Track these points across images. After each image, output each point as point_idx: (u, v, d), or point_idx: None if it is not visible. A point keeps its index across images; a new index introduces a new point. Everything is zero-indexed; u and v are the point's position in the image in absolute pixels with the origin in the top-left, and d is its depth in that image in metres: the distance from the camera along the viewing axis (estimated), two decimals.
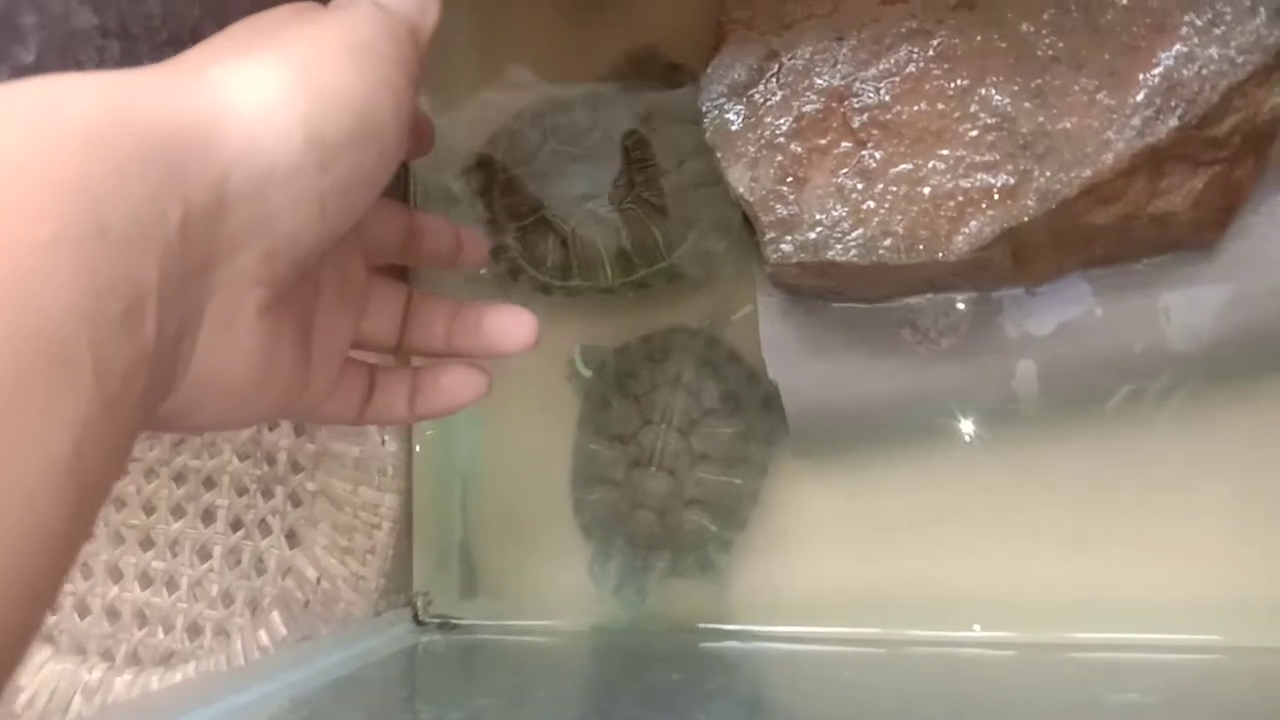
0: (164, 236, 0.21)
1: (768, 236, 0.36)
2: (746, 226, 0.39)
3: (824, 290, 0.39)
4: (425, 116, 0.37)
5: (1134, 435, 0.41)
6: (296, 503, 0.55)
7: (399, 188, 0.52)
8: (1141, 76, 0.33)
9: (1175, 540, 0.40)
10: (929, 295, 0.39)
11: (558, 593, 0.47)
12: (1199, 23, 0.33)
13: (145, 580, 0.57)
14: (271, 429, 0.56)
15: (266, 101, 0.24)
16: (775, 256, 0.36)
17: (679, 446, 0.46)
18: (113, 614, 0.57)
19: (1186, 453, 0.41)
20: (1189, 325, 0.38)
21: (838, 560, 0.44)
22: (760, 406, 0.46)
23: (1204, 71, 0.33)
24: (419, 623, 0.48)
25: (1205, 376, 0.39)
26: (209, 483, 0.57)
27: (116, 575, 0.58)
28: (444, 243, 0.38)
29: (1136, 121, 0.33)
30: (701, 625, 0.45)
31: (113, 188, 0.20)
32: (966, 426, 0.41)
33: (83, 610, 0.58)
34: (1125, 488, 0.41)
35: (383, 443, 0.51)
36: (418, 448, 0.51)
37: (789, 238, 0.36)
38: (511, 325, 0.34)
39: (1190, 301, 0.37)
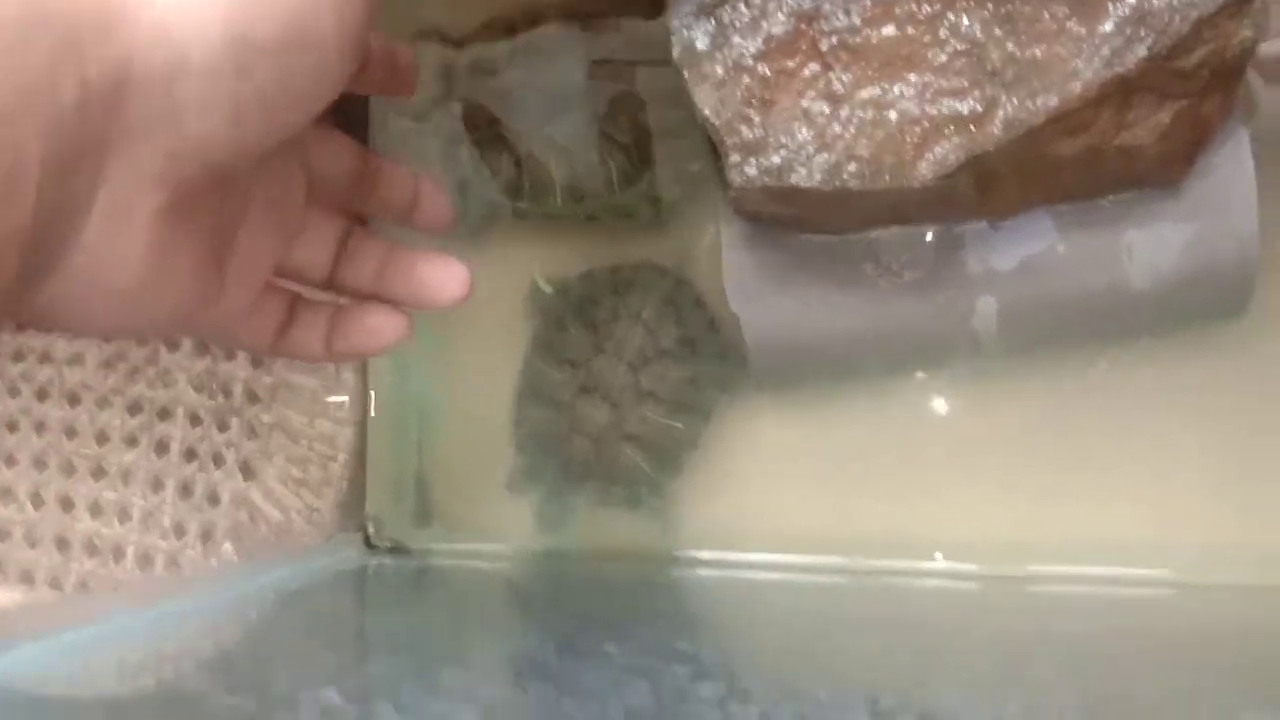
0: (53, 111, 0.20)
1: (732, 159, 0.35)
2: (712, 154, 0.38)
3: (788, 219, 0.38)
4: (407, 52, 0.35)
5: (1093, 374, 0.41)
6: (252, 435, 0.54)
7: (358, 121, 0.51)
8: (1112, 5, 0.33)
9: (1131, 478, 0.41)
10: (893, 228, 0.38)
11: (511, 521, 0.47)
12: None
13: (96, 510, 0.56)
14: (228, 359, 0.55)
15: None
16: (739, 180, 0.35)
17: (627, 381, 0.46)
18: (62, 544, 0.56)
19: (1144, 393, 0.41)
20: (1152, 264, 0.38)
21: (796, 494, 0.44)
22: (716, 356, 0.46)
23: (1175, 1, 0.32)
24: (370, 546, 0.47)
25: (1166, 318, 0.39)
26: (163, 413, 0.56)
27: (67, 505, 0.57)
28: (399, 193, 0.36)
29: (1105, 51, 0.33)
30: (652, 554, 0.45)
31: (4, 59, 0.19)
32: (927, 362, 0.41)
33: (32, 540, 0.57)
34: (1084, 426, 0.41)
35: (339, 378, 0.51)
36: (373, 383, 0.50)
37: (753, 160, 0.35)
38: (445, 277, 0.33)
39: (1154, 240, 0.37)
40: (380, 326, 0.33)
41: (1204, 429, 0.41)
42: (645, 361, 0.46)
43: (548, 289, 0.47)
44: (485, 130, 0.47)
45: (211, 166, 0.25)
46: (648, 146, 0.46)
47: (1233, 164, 0.37)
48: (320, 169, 0.32)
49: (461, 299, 0.33)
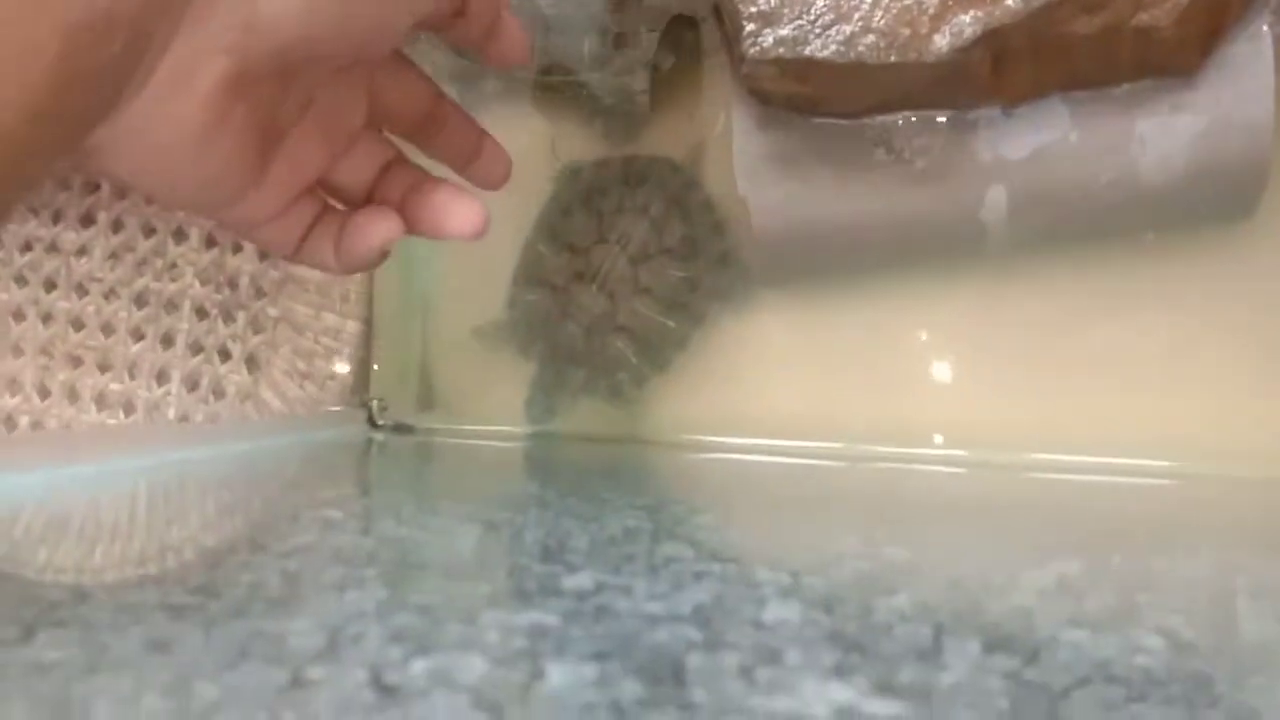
0: None
1: (747, 29, 0.35)
2: (724, 38, 0.38)
3: (800, 99, 0.38)
4: (518, 23, 0.35)
5: (1100, 267, 0.41)
6: (258, 329, 0.54)
7: None
8: None
9: (1130, 370, 0.41)
10: (906, 112, 0.38)
11: (512, 403, 0.47)
12: None
13: (101, 402, 0.57)
14: (235, 252, 0.55)
15: None
16: (754, 51, 0.35)
17: (625, 273, 0.46)
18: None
19: (1150, 287, 0.41)
20: (1164, 156, 0.37)
21: (790, 388, 0.44)
22: (716, 260, 0.46)
23: None
24: (374, 425, 0.48)
25: (1176, 213, 0.39)
26: (170, 306, 0.56)
27: (74, 396, 0.57)
28: (462, 144, 0.36)
29: None
30: (636, 439, 0.45)
31: None
32: (935, 252, 0.41)
33: (37, 429, 0.57)
34: (1088, 319, 0.41)
35: None
36: (378, 274, 0.50)
37: (768, 31, 0.35)
38: (465, 212, 0.33)
39: (1167, 131, 0.37)
40: (375, 228, 0.33)
41: (1208, 329, 0.40)
42: (646, 257, 0.46)
43: (559, 161, 0.47)
44: None
45: (277, 52, 0.25)
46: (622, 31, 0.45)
47: (1251, 56, 0.36)
48: (390, 102, 0.33)
49: (476, 234, 0.33)
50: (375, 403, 0.49)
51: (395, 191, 0.34)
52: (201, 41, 0.24)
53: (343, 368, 0.51)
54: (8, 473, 0.28)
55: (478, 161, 0.37)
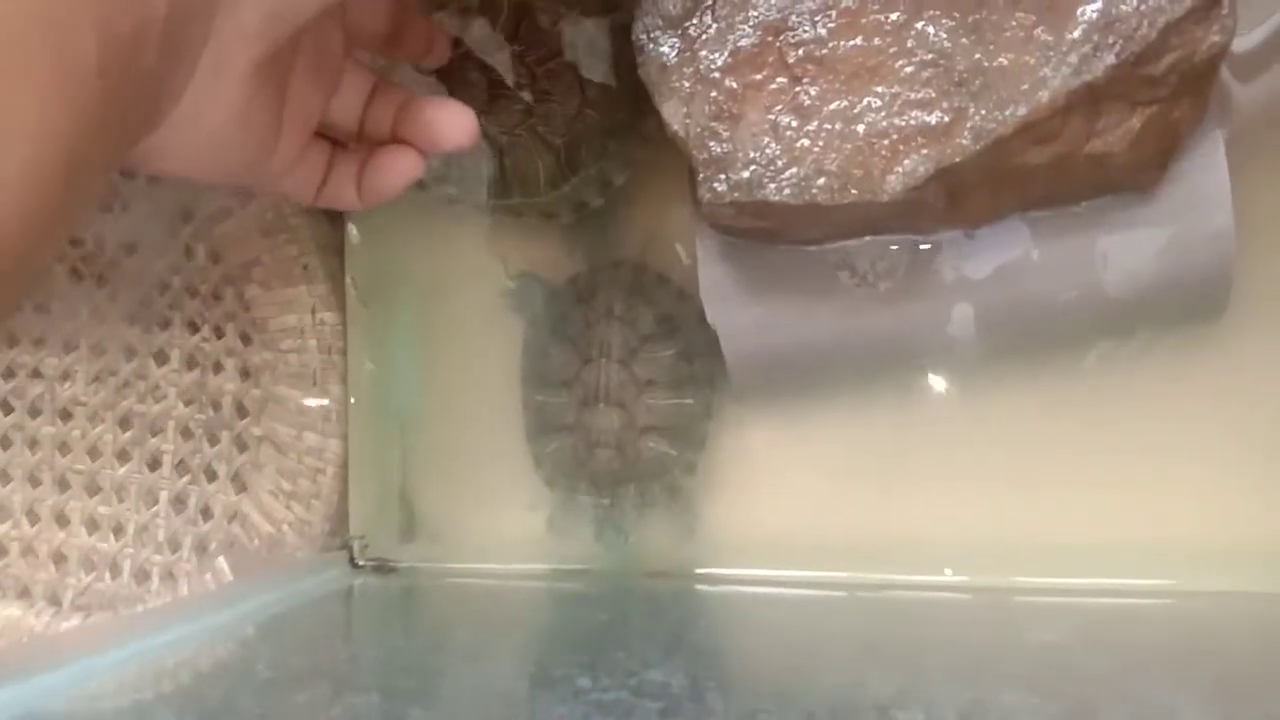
0: None
1: (702, 175, 0.35)
2: (688, 171, 0.38)
3: (761, 231, 0.38)
4: (440, 23, 0.37)
5: (1071, 380, 0.41)
6: (242, 448, 0.55)
7: None
8: (1079, 11, 0.33)
9: (1109, 483, 0.41)
10: (866, 237, 0.38)
11: (498, 536, 0.47)
12: None
13: (92, 525, 0.57)
14: (217, 372, 0.56)
15: None
16: (709, 196, 0.35)
17: (623, 377, 0.46)
18: (59, 559, 0.57)
19: (1124, 397, 0.41)
20: (1128, 269, 0.38)
21: (778, 504, 0.44)
22: (697, 322, 0.45)
23: (1143, 7, 0.32)
24: (355, 565, 0.48)
25: (1145, 321, 0.39)
26: (154, 428, 0.56)
27: (63, 520, 0.57)
28: (419, 44, 0.38)
29: (1073, 58, 0.33)
30: (653, 569, 0.45)
31: None
32: (906, 370, 0.41)
33: (29, 555, 0.57)
34: (1062, 431, 0.41)
35: (325, 390, 0.51)
36: (353, 399, 0.50)
37: (723, 176, 0.35)
38: (453, 121, 0.34)
39: (1128, 245, 0.37)
40: (397, 166, 0.35)
41: (1186, 430, 0.40)
42: (633, 353, 0.46)
43: (511, 284, 0.47)
44: None
45: (298, 24, 0.27)
46: (578, 151, 0.45)
47: (1207, 167, 0.36)
48: (360, 21, 0.35)
49: (468, 142, 0.35)
50: (356, 542, 0.49)
51: (385, 117, 0.35)
52: (232, 35, 0.26)
53: (327, 487, 0.51)
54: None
55: (429, 55, 0.39)
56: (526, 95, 0.44)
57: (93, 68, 0.21)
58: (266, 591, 0.40)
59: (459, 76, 0.44)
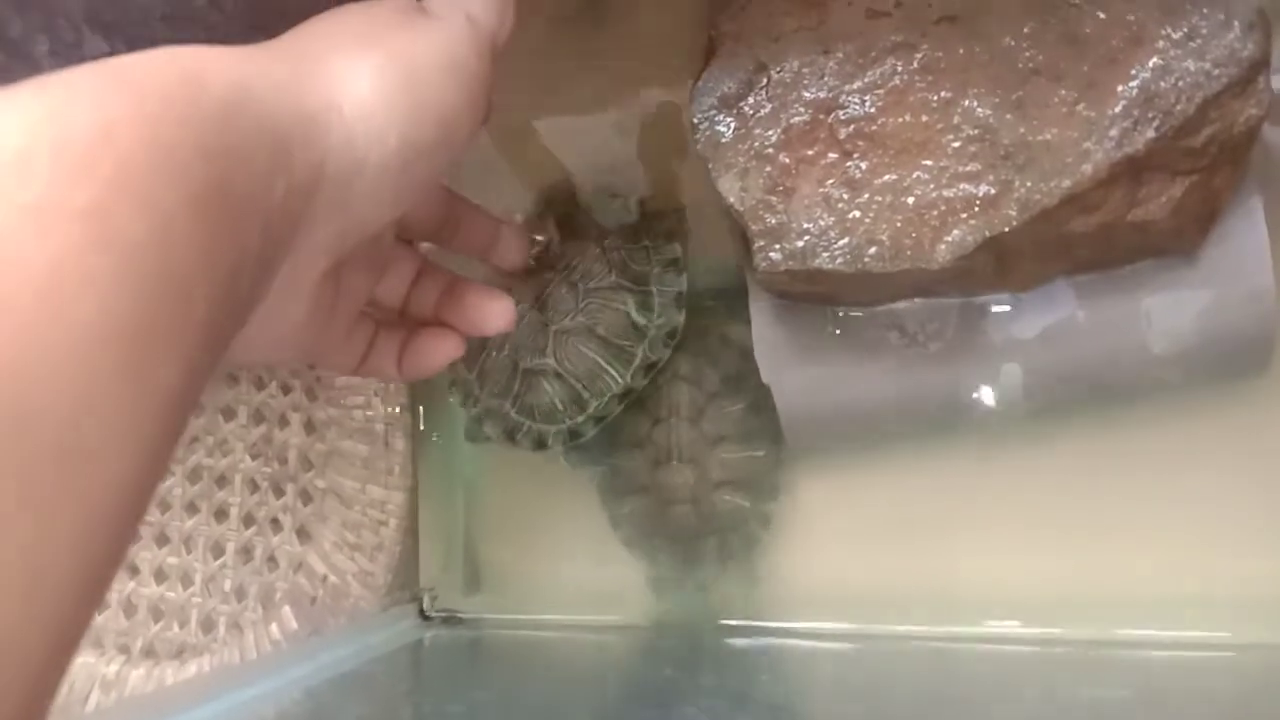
0: (268, 206, 0.24)
1: (757, 244, 0.37)
2: (740, 238, 0.39)
3: (814, 295, 0.40)
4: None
5: (1118, 435, 0.42)
6: (307, 500, 0.56)
7: None
8: (1120, 88, 0.34)
9: (1162, 537, 0.41)
10: (916, 300, 0.40)
11: (560, 588, 0.48)
12: (1175, 36, 0.34)
13: (160, 576, 0.59)
14: (282, 427, 0.58)
15: (370, 103, 0.27)
16: (764, 264, 0.37)
17: (693, 435, 0.47)
18: (129, 609, 0.59)
19: (1171, 452, 0.41)
20: (1171, 329, 0.39)
21: (832, 559, 0.45)
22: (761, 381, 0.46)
23: (1180, 84, 0.34)
24: (425, 617, 0.49)
25: (1188, 380, 0.40)
26: (222, 481, 0.58)
27: (133, 571, 0.59)
28: (480, 233, 0.40)
29: (1115, 132, 0.34)
30: (721, 622, 0.46)
31: (238, 159, 0.22)
32: (955, 428, 0.42)
33: (100, 606, 0.59)
34: (1110, 488, 0.42)
35: (389, 444, 0.53)
36: (420, 448, 0.52)
37: (777, 246, 0.37)
38: (492, 308, 0.37)
39: (1172, 305, 0.38)
40: (437, 346, 0.37)
41: (1234, 484, 0.41)
42: (700, 411, 0.47)
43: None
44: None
45: (364, 238, 0.29)
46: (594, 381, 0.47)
47: (1247, 229, 0.38)
48: (413, 217, 0.37)
49: (505, 328, 0.37)
50: (426, 594, 0.50)
51: (429, 299, 0.38)
52: (307, 251, 0.27)
53: (390, 539, 0.53)
54: None
55: (496, 247, 0.41)
56: None
57: (201, 321, 0.21)
58: (340, 646, 0.42)
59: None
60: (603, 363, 0.46)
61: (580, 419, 0.46)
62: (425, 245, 0.40)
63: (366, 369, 0.37)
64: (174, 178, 0.20)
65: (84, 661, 0.58)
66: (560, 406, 0.46)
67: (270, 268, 0.25)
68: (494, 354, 0.48)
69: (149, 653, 0.58)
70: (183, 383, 0.21)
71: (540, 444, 0.47)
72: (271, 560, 0.57)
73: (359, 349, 0.36)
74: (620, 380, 0.45)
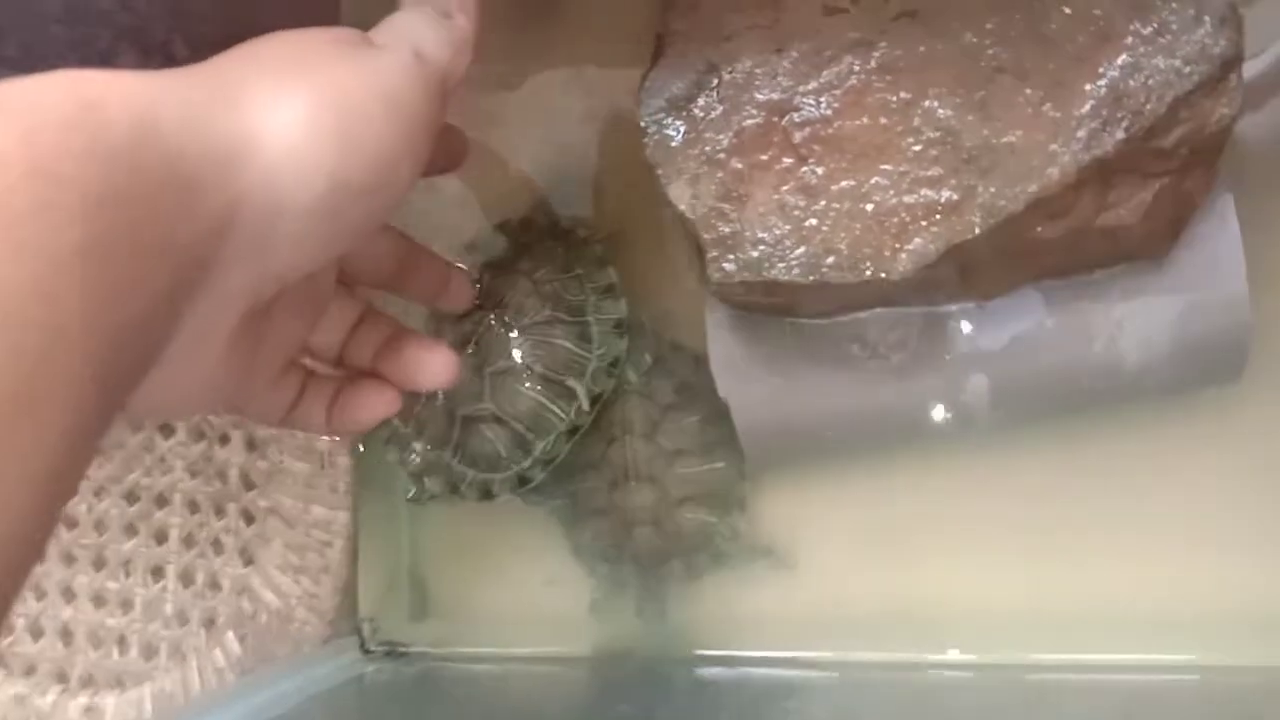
0: (175, 249, 0.22)
1: (710, 254, 0.35)
2: (694, 248, 0.37)
3: (772, 306, 0.38)
4: (459, 131, 0.36)
5: (1087, 448, 0.40)
6: (249, 520, 0.54)
7: None
8: (1088, 87, 0.33)
9: (1131, 552, 0.40)
10: (878, 310, 0.38)
11: (514, 616, 0.46)
12: (1145, 32, 0.32)
13: (99, 600, 0.56)
14: (223, 444, 0.55)
15: (295, 139, 0.24)
16: (718, 275, 0.35)
17: (650, 451, 0.44)
18: (66, 635, 0.56)
19: (1142, 465, 0.40)
20: (1143, 336, 0.37)
21: (798, 579, 0.44)
22: (714, 389, 0.44)
23: (1150, 82, 0.32)
24: (365, 651, 0.47)
25: (1160, 387, 0.39)
26: (160, 500, 0.56)
27: (69, 596, 0.57)
28: (432, 281, 0.38)
29: (1082, 134, 0.33)
30: (688, 653, 0.44)
31: (143, 202, 0.20)
32: (919, 441, 0.40)
33: (35, 632, 0.57)
34: (1080, 500, 0.40)
35: (332, 462, 0.50)
36: (363, 465, 0.50)
37: (731, 256, 0.35)
38: (433, 362, 0.35)
39: (1143, 312, 0.37)
40: (373, 403, 0.35)
41: (1205, 498, 0.40)
42: (655, 425, 0.45)
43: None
44: None
45: (288, 282, 0.26)
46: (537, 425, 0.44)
47: (1219, 232, 0.36)
48: (360, 265, 0.35)
49: (446, 384, 0.35)
50: (366, 624, 0.48)
51: (367, 348, 0.35)
52: (219, 297, 0.25)
53: (336, 560, 0.51)
54: None
55: (445, 293, 0.39)
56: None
57: (92, 377, 0.19)
58: (277, 683, 0.40)
59: None
60: (545, 401, 0.43)
61: (527, 463, 0.44)
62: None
63: (292, 420, 0.34)
64: (65, 221, 0.19)
65: (18, 691, 0.56)
66: (504, 453, 0.44)
67: (180, 311, 0.23)
68: (428, 402, 0.45)
69: (87, 681, 0.56)
70: (65, 450, 0.19)
71: (486, 494, 0.45)
72: (214, 583, 0.54)
73: (286, 399, 0.33)
74: (564, 417, 0.43)
